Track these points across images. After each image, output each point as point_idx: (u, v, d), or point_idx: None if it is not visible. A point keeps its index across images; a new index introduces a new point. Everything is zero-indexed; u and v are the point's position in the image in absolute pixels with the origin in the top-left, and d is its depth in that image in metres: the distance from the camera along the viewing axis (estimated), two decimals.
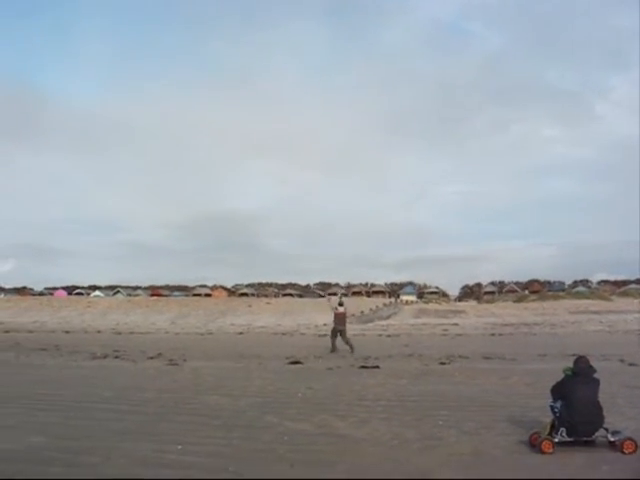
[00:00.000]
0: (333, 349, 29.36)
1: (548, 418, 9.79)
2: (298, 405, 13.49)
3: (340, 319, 30.59)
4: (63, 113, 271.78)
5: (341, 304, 31.65)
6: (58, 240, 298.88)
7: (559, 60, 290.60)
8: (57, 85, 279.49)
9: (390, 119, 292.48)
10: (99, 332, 56.13)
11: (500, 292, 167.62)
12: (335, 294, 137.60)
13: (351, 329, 61.31)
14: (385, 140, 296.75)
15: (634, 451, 8.95)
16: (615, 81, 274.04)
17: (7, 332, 52.68)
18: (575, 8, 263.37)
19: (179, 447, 9.66)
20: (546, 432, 9.49)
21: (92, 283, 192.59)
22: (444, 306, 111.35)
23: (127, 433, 10.64)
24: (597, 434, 9.35)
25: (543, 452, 9.06)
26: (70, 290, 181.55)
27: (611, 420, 10.22)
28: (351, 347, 28.98)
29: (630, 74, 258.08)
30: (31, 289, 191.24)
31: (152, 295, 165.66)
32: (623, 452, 8.96)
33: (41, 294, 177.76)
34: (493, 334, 47.31)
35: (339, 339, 29.77)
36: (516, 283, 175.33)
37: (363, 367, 21.25)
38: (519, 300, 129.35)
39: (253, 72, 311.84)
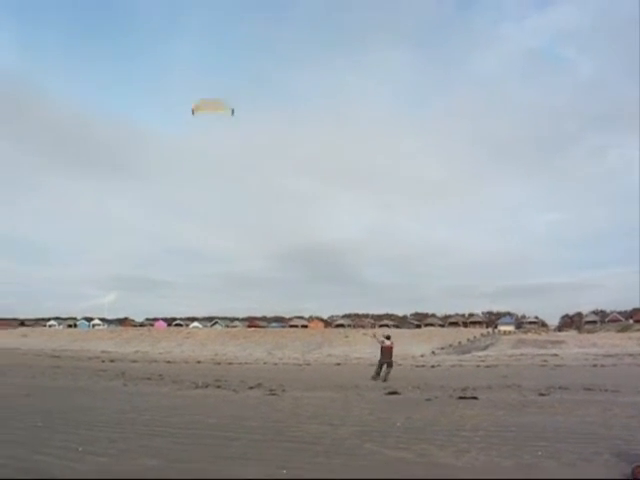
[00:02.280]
0: (376, 377, 31.23)
1: None
2: (397, 434, 13.66)
3: (387, 353, 32.18)
4: (157, 148, 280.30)
5: (388, 337, 33.53)
6: (158, 272, 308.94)
7: None
8: (151, 122, 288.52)
9: (485, 147, 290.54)
10: (199, 362, 57.34)
11: (602, 321, 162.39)
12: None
13: (448, 360, 60.99)
14: (480, 168, 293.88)
15: None
16: None
17: (112, 361, 54.58)
18: None
19: (284, 472, 10.03)
20: None
21: (190, 314, 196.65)
22: (543, 336, 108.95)
23: (234, 458, 11.08)
24: None
25: None
26: (169, 321, 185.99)
27: None
28: (386, 377, 30.90)
29: None
30: (132, 320, 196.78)
31: (249, 326, 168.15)
32: None
33: (142, 325, 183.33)
34: (595, 365, 46.12)
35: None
36: (619, 312, 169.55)
37: (461, 398, 21.20)
38: (623, 330, 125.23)
39: (344, 101, 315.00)
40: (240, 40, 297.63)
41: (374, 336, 34.39)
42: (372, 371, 32.71)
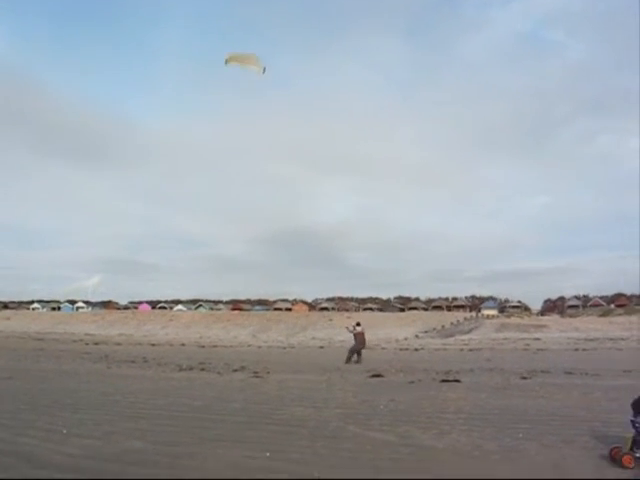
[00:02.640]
0: (348, 362, 31.76)
1: (630, 433, 9.85)
2: (381, 416, 13.77)
3: (360, 339, 33.03)
4: (145, 137, 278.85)
5: (359, 324, 34.21)
6: (143, 255, 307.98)
7: None
8: (138, 111, 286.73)
9: (474, 132, 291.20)
10: (183, 345, 57.51)
11: (584, 306, 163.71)
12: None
13: (432, 343, 61.33)
14: (469, 153, 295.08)
15: None
16: None
17: (96, 344, 54.58)
18: None
19: (267, 454, 10.11)
20: (627, 447, 9.54)
21: (175, 297, 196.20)
22: (526, 320, 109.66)
23: (218, 440, 11.15)
24: None
25: (624, 466, 9.16)
26: (154, 304, 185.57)
27: None
28: (359, 356, 32.18)
29: None
30: (116, 303, 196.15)
31: (233, 309, 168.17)
32: None
33: (126, 308, 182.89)
34: (576, 349, 46.60)
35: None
36: (601, 297, 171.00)
37: (444, 381, 21.38)
38: (604, 314, 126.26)
39: (332, 86, 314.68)
40: (228, 25, 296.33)
41: (348, 328, 34.81)
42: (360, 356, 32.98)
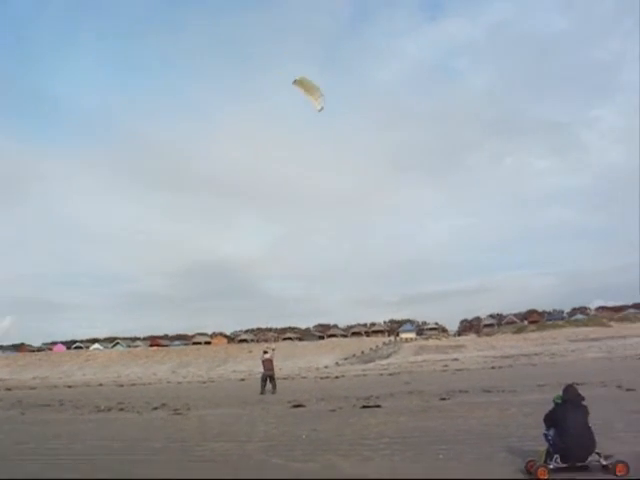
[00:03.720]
0: (263, 392, 31.98)
1: (544, 447, 10.17)
2: (303, 447, 13.81)
3: (268, 365, 33.32)
4: (56, 169, 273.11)
5: (266, 352, 34.74)
6: (55, 294, 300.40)
7: (546, 94, 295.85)
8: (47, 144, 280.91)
9: (388, 156, 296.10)
10: (101, 385, 56.19)
11: (499, 324, 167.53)
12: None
13: (352, 370, 61.59)
14: (384, 177, 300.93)
15: (626, 474, 9.37)
16: (600, 112, 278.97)
17: (9, 390, 52.75)
18: (558, 45, 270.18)
19: None
20: (542, 460, 9.90)
21: (91, 336, 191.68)
22: (444, 342, 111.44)
23: None
24: (590, 459, 9.77)
25: (539, 479, 9.47)
26: (69, 344, 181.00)
27: (606, 444, 10.69)
28: (274, 388, 32.36)
29: (613, 105, 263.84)
30: (29, 345, 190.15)
31: (152, 345, 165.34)
32: (616, 475, 9.38)
33: (40, 349, 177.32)
34: (493, 367, 47.46)
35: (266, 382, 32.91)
36: (515, 314, 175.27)
37: (365, 407, 21.48)
38: (518, 331, 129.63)
39: (249, 116, 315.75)
40: (143, 54, 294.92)
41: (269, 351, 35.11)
42: (278, 385, 32.98)
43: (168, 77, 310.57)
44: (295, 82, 19.08)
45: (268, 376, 32.77)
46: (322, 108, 19.09)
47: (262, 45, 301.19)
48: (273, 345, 36.06)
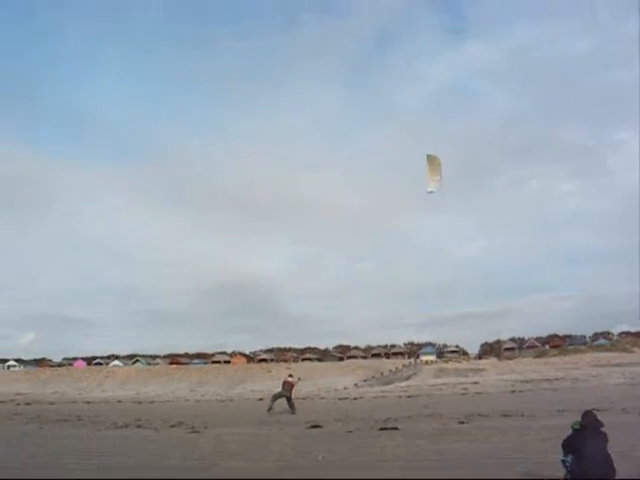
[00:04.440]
0: (269, 409, 31.94)
1: (562, 473, 10.04)
2: (319, 468, 13.75)
3: (287, 387, 33.07)
4: (75, 184, 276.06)
5: (291, 375, 34.84)
6: (77, 309, 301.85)
7: (570, 117, 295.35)
8: (63, 156, 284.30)
9: (409, 178, 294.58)
10: (119, 402, 56.20)
11: (520, 348, 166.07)
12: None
13: (371, 391, 61.33)
14: (405, 199, 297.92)
15: None
16: (624, 135, 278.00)
17: (28, 404, 52.98)
18: (582, 67, 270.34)
19: None
20: None
21: (111, 352, 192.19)
22: (464, 365, 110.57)
23: None
24: None
25: None
26: (89, 360, 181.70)
27: (626, 472, 10.49)
28: (292, 408, 31.93)
29: (638, 128, 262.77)
30: (50, 360, 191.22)
31: (171, 363, 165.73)
32: None
33: (60, 365, 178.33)
34: (513, 391, 47.06)
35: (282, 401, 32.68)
36: (536, 338, 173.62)
37: (383, 429, 21.35)
38: (539, 355, 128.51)
39: (271, 136, 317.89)
40: (162, 75, 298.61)
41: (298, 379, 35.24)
42: (297, 405, 32.93)
43: (195, 96, 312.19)
44: (428, 156, 19.48)
45: (285, 396, 32.67)
46: (432, 192, 19.43)
47: (289, 66, 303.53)
48: (297, 378, 36.04)
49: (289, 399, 32.61)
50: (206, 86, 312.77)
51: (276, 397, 32.76)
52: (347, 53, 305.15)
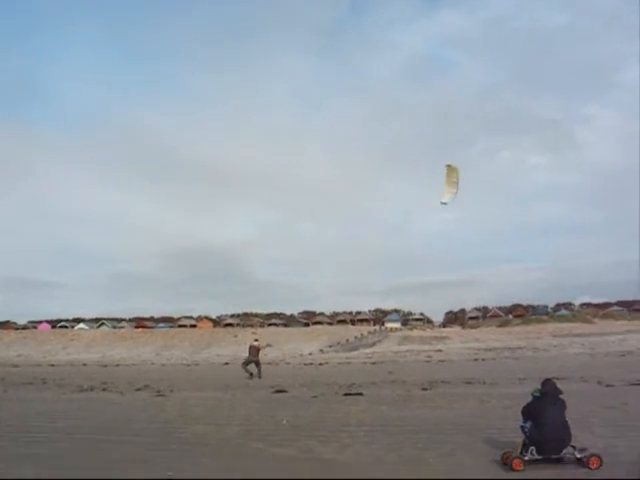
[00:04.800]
0: (250, 375, 32.24)
1: (520, 438, 10.30)
2: (283, 432, 13.91)
3: (254, 352, 33.60)
4: (42, 150, 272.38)
5: (257, 340, 35.64)
6: (42, 273, 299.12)
7: (543, 91, 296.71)
8: (40, 125, 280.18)
9: (380, 148, 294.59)
10: (85, 365, 56.13)
11: (484, 317, 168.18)
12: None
13: (336, 357, 61.78)
14: (377, 168, 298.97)
15: (599, 467, 9.53)
16: (594, 109, 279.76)
17: None
18: (556, 41, 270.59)
19: (170, 473, 10.08)
20: (518, 451, 10.04)
21: (76, 316, 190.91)
22: (428, 332, 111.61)
23: (120, 461, 11.04)
24: (565, 452, 9.94)
25: (514, 470, 9.63)
26: (54, 323, 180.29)
27: (581, 438, 10.86)
28: (259, 373, 32.46)
29: (608, 103, 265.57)
30: (14, 323, 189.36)
31: (137, 327, 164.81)
32: (589, 468, 9.54)
33: (25, 328, 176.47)
34: (476, 359, 47.65)
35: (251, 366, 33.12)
36: (500, 308, 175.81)
37: (347, 394, 21.59)
38: (503, 325, 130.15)
39: (240, 103, 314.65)
40: (129, 42, 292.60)
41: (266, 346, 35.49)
42: (262, 370, 33.17)
43: (160, 64, 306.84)
44: (448, 167, 19.41)
45: (253, 362, 32.90)
46: (445, 203, 19.43)
47: (259, 35, 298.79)
48: (266, 343, 36.38)
49: (257, 363, 32.97)
50: (175, 54, 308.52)
51: (246, 363, 33.05)
52: (320, 21, 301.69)
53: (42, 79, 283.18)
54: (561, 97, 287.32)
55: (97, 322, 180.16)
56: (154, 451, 11.97)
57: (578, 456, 9.82)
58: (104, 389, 26.48)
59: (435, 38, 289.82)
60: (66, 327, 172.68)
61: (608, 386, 22.16)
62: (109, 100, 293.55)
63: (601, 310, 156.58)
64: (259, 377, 31.63)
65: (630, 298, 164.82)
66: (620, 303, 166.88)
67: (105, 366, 53.35)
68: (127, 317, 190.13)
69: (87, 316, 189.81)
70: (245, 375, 31.98)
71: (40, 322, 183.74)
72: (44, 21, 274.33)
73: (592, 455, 9.72)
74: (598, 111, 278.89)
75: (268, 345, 36.44)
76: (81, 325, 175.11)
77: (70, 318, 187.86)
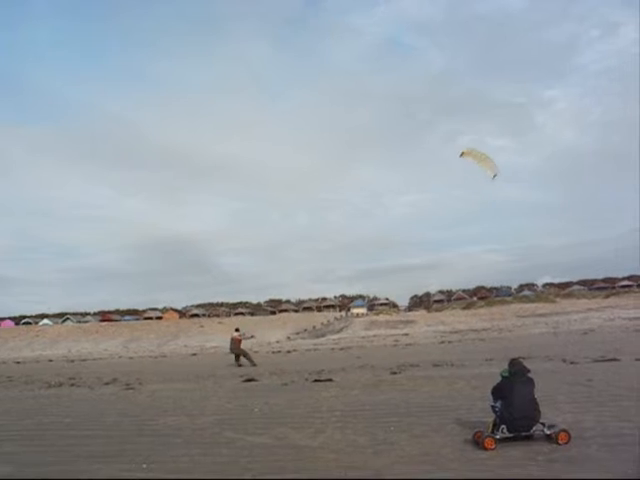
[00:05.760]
0: (239, 365, 32.54)
1: (491, 418, 10.50)
2: (255, 420, 13.97)
3: (235, 344, 33.74)
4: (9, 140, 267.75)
5: (237, 330, 35.17)
6: (3, 269, 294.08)
7: (503, 75, 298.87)
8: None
9: (344, 135, 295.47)
10: (51, 361, 55.64)
11: (449, 300, 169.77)
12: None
13: (304, 344, 61.96)
14: (340, 155, 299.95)
15: (568, 441, 9.81)
16: (553, 92, 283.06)
17: None
18: (516, 25, 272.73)
19: (144, 466, 10.10)
20: (489, 430, 10.26)
21: (40, 312, 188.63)
22: (394, 317, 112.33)
23: (93, 457, 11.01)
24: (535, 429, 10.21)
25: (486, 448, 9.82)
26: (17, 320, 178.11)
27: (550, 415, 11.24)
28: (238, 362, 32.76)
29: (567, 87, 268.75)
30: None
31: (102, 320, 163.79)
32: (558, 443, 9.80)
33: None
34: (442, 342, 48.15)
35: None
36: (464, 291, 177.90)
37: (317, 381, 21.73)
38: (467, 307, 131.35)
39: (204, 92, 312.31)
40: (94, 31, 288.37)
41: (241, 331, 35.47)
42: (229, 360, 33.25)
43: (124, 51, 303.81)
44: (463, 154, 19.22)
45: (235, 354, 33.07)
46: (495, 175, 19.23)
47: (222, 22, 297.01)
48: (252, 335, 36.57)
49: (241, 355, 33.19)
50: (140, 43, 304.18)
51: (237, 357, 33.21)
52: (281, 9, 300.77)
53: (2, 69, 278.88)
54: (521, 81, 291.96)
55: (61, 317, 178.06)
56: (128, 444, 11.96)
57: (547, 432, 10.07)
58: (72, 384, 26.30)
59: (396, 24, 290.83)
60: (30, 323, 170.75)
61: (572, 363, 22.63)
62: (73, 91, 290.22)
63: (563, 289, 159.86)
64: (238, 365, 32.12)
65: (590, 277, 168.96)
66: (581, 282, 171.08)
67: (72, 361, 52.95)
68: (92, 311, 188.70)
69: (51, 311, 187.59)
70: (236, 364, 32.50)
71: (2, 319, 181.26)
72: (9, 14, 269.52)
73: (561, 431, 9.98)
74: (558, 94, 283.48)
75: (252, 336, 36.44)
76: (45, 321, 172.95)
77: (34, 314, 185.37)
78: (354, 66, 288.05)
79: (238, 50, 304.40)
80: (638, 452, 9.20)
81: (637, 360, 21.97)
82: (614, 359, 22.83)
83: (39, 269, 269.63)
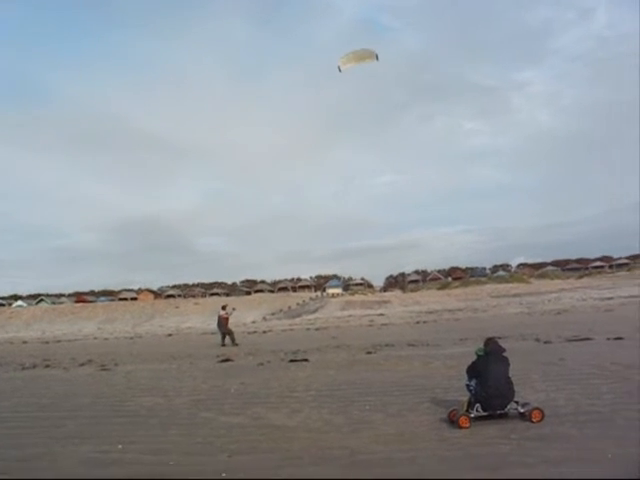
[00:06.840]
0: (222, 345, 32.53)
1: (466, 397, 10.61)
2: (232, 400, 14.01)
3: (222, 322, 33.96)
4: None
5: (224, 308, 35.39)
6: None
7: (478, 57, 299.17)
8: None
9: (322, 116, 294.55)
10: (25, 342, 55.13)
11: (424, 280, 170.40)
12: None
13: (279, 325, 61.99)
14: (318, 136, 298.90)
15: (541, 419, 9.96)
16: (528, 75, 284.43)
17: None
18: (491, 8, 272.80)
19: (120, 446, 10.10)
20: (464, 409, 10.36)
21: (13, 292, 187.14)
22: (370, 297, 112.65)
23: (69, 437, 11.00)
24: (509, 407, 10.34)
25: (461, 427, 9.95)
26: None
27: (523, 393, 11.37)
28: (233, 341, 32.67)
29: (541, 70, 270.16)
30: None
31: (77, 302, 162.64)
32: (532, 421, 9.95)
33: None
34: (418, 322, 48.26)
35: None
36: (439, 271, 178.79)
37: (293, 361, 21.78)
38: (442, 287, 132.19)
39: (182, 72, 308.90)
40: (65, 10, 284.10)
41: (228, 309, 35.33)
42: (205, 340, 33.21)
43: (94, 31, 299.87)
44: (341, 69, 18.70)
45: (222, 333, 33.25)
46: (377, 55, 18.89)
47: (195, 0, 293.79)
48: (232, 308, 36.16)
49: (227, 334, 33.24)
50: (111, 23, 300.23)
51: (223, 336, 33.21)
52: None
53: None
54: (496, 64, 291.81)
55: (36, 298, 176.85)
56: (103, 425, 11.95)
57: (521, 410, 10.21)
58: (47, 366, 26.16)
59: (373, 4, 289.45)
60: (3, 305, 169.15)
61: (546, 343, 22.87)
62: (45, 73, 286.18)
63: (537, 270, 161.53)
64: (233, 344, 32.09)
65: (564, 257, 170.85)
66: (554, 263, 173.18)
67: (47, 343, 52.55)
68: (67, 292, 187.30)
69: (25, 293, 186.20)
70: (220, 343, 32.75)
71: None
72: None
73: (534, 409, 10.12)
74: (532, 77, 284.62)
75: (233, 309, 36.23)
76: (19, 302, 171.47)
77: (7, 295, 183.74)
78: (330, 46, 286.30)
79: (214, 30, 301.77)
80: (608, 429, 9.36)
81: (608, 339, 22.18)
82: (587, 338, 23.05)
83: (10, 250, 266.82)
